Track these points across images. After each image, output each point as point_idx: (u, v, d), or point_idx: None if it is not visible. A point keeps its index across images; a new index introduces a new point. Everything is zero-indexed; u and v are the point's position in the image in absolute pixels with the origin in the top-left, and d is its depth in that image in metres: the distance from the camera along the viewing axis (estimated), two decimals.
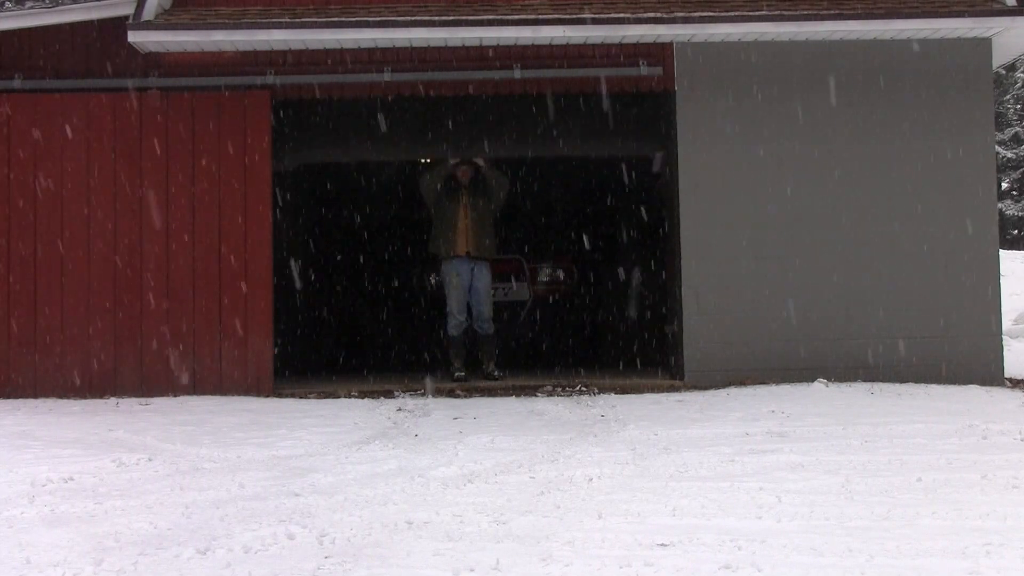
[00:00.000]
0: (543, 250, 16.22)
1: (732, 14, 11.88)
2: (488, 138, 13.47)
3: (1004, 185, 47.33)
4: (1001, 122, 45.27)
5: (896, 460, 7.87)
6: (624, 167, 16.38)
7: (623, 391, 12.06)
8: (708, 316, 12.38)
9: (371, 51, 12.44)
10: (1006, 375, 12.67)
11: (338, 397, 12.03)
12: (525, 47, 12.46)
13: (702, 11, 11.95)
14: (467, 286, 13.18)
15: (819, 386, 11.62)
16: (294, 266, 14.62)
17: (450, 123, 13.41)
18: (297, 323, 14.88)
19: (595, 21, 11.83)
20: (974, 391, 11.51)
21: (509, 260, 15.51)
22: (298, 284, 14.98)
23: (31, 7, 13.11)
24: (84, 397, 12.00)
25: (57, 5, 12.70)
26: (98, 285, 12.23)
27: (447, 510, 6.52)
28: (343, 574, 5.32)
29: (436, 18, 11.82)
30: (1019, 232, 48.45)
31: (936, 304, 12.44)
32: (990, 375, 12.30)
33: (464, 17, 11.88)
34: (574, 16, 11.86)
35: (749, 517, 6.29)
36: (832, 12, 11.90)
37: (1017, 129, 47.27)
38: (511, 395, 12.04)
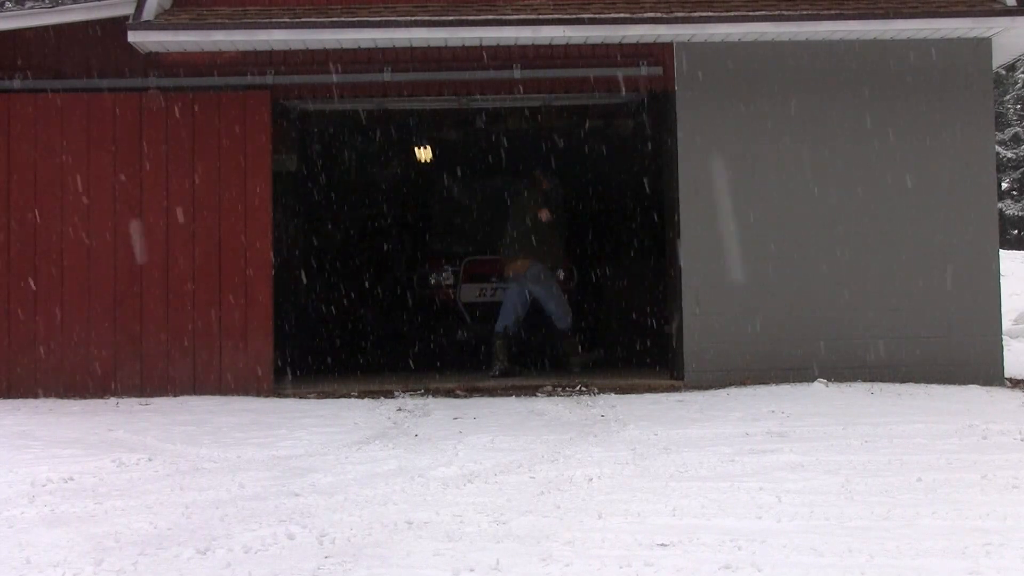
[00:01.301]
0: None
1: (732, 14, 11.87)
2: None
3: (1004, 185, 47.31)
4: (1001, 122, 45.24)
5: (896, 460, 7.88)
6: (626, 168, 16.39)
7: (623, 391, 12.06)
8: (708, 316, 12.38)
9: (371, 51, 12.44)
10: (1006, 375, 12.67)
11: (338, 397, 12.03)
12: (525, 47, 12.45)
13: (702, 11, 11.94)
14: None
15: (819, 386, 11.62)
16: (295, 265, 14.62)
17: None
18: (298, 322, 14.88)
19: (595, 21, 11.82)
20: (974, 391, 11.51)
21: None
22: (299, 283, 14.99)
23: (31, 7, 13.12)
24: (84, 397, 12.00)
25: (57, 5, 12.70)
26: (98, 285, 12.22)
27: (447, 510, 6.53)
28: (343, 574, 5.33)
29: (436, 18, 11.81)
30: (1019, 232, 48.44)
31: (936, 304, 12.44)
32: (990, 375, 12.29)
33: (464, 17, 11.87)
34: (574, 16, 11.86)
35: (749, 517, 6.30)
36: (832, 12, 11.89)
37: (1017, 129, 47.25)
38: (511, 395, 12.03)
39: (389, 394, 12.09)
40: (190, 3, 12.16)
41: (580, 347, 14.30)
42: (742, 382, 12.08)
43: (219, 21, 11.79)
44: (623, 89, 12.77)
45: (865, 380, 12.00)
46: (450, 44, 12.25)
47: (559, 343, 14.31)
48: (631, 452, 8.36)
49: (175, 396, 11.96)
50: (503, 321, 13.77)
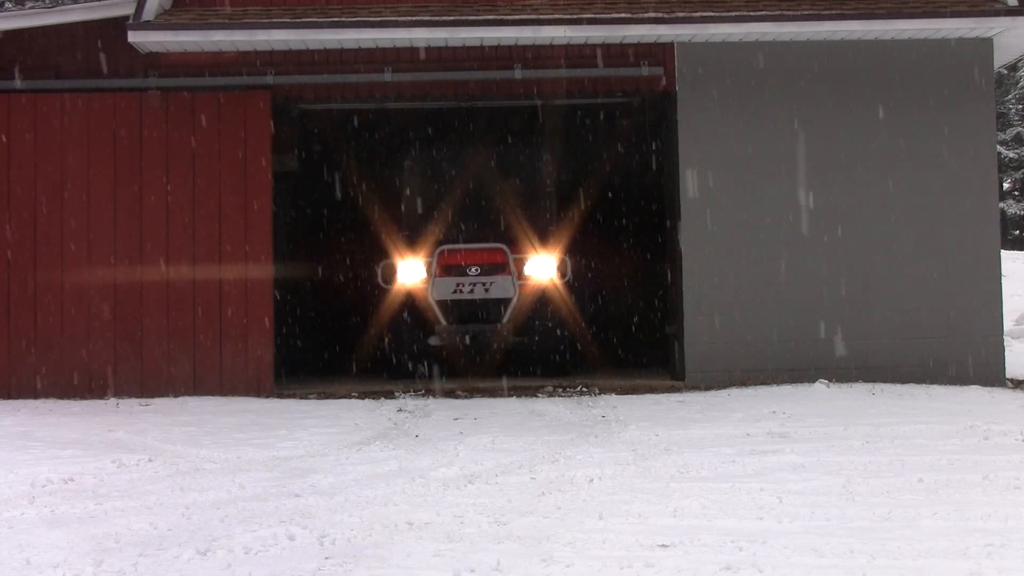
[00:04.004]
0: (532, 238, 13.60)
1: (733, 14, 11.86)
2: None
3: (1006, 185, 47.27)
4: (1003, 122, 45.22)
5: (897, 461, 7.87)
6: (626, 169, 16.31)
7: (624, 392, 12.04)
8: (709, 316, 12.37)
9: (371, 51, 12.44)
10: (1007, 376, 12.65)
11: (339, 398, 12.02)
12: (526, 47, 12.45)
13: (703, 11, 11.93)
14: None
15: (820, 387, 11.61)
16: (295, 265, 14.58)
17: None
18: (298, 323, 14.85)
19: (596, 21, 11.81)
20: (975, 392, 11.50)
21: (490, 250, 13.27)
22: (299, 283, 14.94)
23: (31, 7, 13.11)
24: (84, 397, 11.99)
25: (57, 5, 12.69)
26: (98, 285, 12.21)
27: (448, 511, 6.52)
28: (344, 575, 5.33)
29: (437, 18, 11.81)
30: (1020, 232, 48.42)
31: (937, 304, 12.43)
32: (991, 376, 12.28)
33: (465, 17, 11.87)
34: (575, 16, 11.85)
35: (750, 518, 6.29)
36: (834, 12, 11.88)
37: (1019, 129, 47.19)
38: (512, 395, 12.02)
39: (390, 395, 12.07)
40: (190, 3, 12.16)
41: None
42: (743, 382, 12.07)
43: (219, 21, 11.78)
44: (624, 89, 12.77)
45: (866, 380, 11.99)
46: (450, 44, 12.24)
47: None
48: (632, 453, 8.35)
49: (175, 396, 11.95)
50: None
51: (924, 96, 12.55)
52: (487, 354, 13.27)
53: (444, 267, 13.05)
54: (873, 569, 5.29)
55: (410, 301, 13.11)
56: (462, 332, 12.97)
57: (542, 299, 13.14)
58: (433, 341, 13.01)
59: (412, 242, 13.46)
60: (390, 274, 13.39)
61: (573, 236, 14.60)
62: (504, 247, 13.14)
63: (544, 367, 13.12)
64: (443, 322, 13.00)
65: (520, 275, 13.12)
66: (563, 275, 13.31)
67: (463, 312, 13.07)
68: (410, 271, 13.24)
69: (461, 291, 12.98)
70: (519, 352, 13.29)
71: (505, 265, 13.04)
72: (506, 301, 12.97)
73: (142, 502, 6.88)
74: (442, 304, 12.94)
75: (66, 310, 12.21)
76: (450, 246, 13.20)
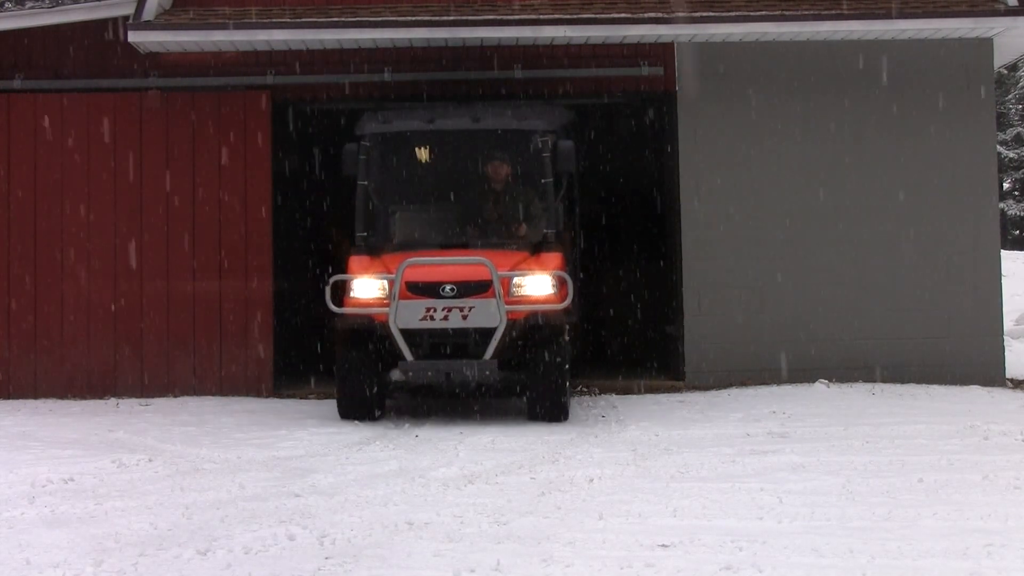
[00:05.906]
0: (523, 249, 10.87)
1: (733, 14, 11.86)
2: None
3: (1006, 185, 47.24)
4: (1003, 122, 45.20)
5: (897, 461, 7.88)
6: (626, 169, 16.29)
7: (624, 392, 12.03)
8: (709, 316, 12.37)
9: (371, 51, 12.44)
10: (1007, 376, 12.64)
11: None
12: (526, 47, 12.45)
13: (703, 11, 11.93)
14: None
15: (820, 387, 11.61)
16: (295, 266, 14.57)
17: None
18: (298, 323, 14.83)
19: (596, 21, 11.81)
20: (975, 392, 11.50)
21: (470, 265, 10.27)
22: (300, 284, 14.92)
23: (31, 7, 13.11)
24: (84, 397, 11.99)
25: (57, 5, 12.69)
26: (98, 285, 12.21)
27: (448, 511, 6.53)
28: (344, 575, 5.33)
29: (436, 18, 11.80)
30: (1020, 232, 48.41)
31: (937, 304, 12.43)
32: (991, 376, 12.27)
33: (465, 17, 11.86)
34: (575, 16, 11.85)
35: (750, 518, 6.30)
36: (833, 12, 11.88)
37: (1019, 129, 47.15)
38: (512, 396, 11.98)
39: (390, 395, 12.03)
40: (190, 3, 12.15)
41: None
42: (743, 383, 12.07)
43: (219, 21, 11.78)
44: (624, 89, 12.77)
45: (866, 380, 11.98)
46: (450, 44, 12.24)
47: None
48: (632, 453, 8.36)
49: (175, 396, 11.95)
50: None
51: (924, 96, 12.55)
52: (466, 395, 10.97)
53: (410, 286, 10.13)
54: (873, 569, 5.29)
55: (367, 330, 10.34)
56: (433, 371, 10.17)
57: (536, 327, 10.29)
58: (396, 376, 10.35)
59: (373, 254, 10.83)
60: (342, 294, 10.56)
61: (571, 241, 12.53)
62: (487, 262, 10.12)
63: (536, 405, 10.35)
64: (409, 357, 10.11)
65: (508, 296, 10.22)
66: (562, 298, 10.33)
67: (435, 345, 10.27)
68: (366, 290, 10.44)
69: (432, 318, 10.09)
70: (507, 388, 10.83)
71: (489, 284, 10.09)
72: (490, 332, 10.08)
73: (142, 502, 6.89)
74: (408, 334, 10.08)
75: (66, 310, 12.20)
76: (417, 259, 10.28)
